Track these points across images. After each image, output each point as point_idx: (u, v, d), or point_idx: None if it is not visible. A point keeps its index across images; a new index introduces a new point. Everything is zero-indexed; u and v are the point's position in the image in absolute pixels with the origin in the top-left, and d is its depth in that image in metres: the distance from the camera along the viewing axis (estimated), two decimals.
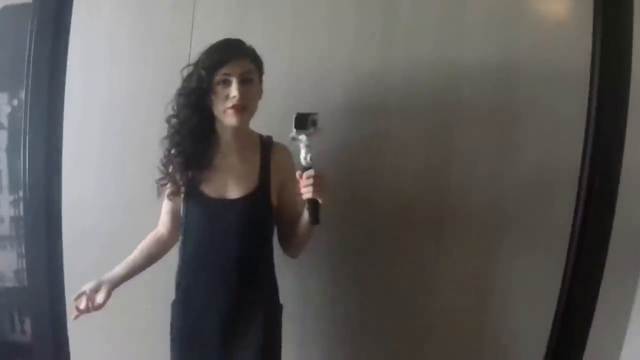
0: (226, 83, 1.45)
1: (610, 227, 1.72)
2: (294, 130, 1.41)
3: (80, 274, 2.00)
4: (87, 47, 1.95)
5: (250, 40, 1.53)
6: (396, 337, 1.90)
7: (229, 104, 1.44)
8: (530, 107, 1.78)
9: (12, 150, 2.14)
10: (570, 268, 1.75)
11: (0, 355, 2.36)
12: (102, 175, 1.99)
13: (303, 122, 1.40)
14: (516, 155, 1.79)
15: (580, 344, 1.78)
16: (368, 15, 1.80)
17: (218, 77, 1.45)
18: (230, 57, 1.44)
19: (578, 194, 1.75)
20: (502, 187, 1.80)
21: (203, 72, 1.45)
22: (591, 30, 1.72)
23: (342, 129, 1.82)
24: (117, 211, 1.97)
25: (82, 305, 1.48)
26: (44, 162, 1.97)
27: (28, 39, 1.93)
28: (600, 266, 1.73)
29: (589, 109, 1.72)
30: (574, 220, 1.76)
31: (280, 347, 1.61)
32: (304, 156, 1.41)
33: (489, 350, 1.88)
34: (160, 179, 1.56)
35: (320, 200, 1.40)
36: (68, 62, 1.95)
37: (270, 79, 1.57)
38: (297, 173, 1.41)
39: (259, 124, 1.59)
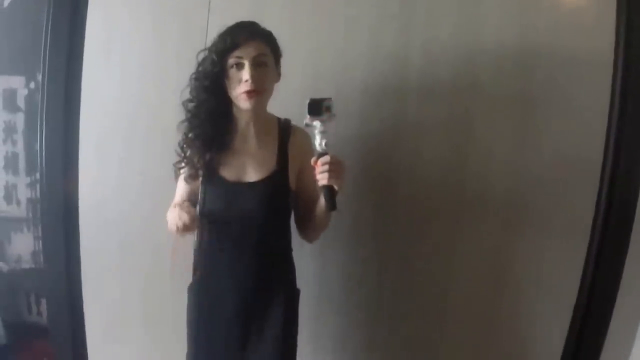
0: (239, 66, 1.44)
1: (632, 217, 1.71)
2: (308, 116, 1.38)
3: (101, 262, 2.03)
4: (107, 34, 1.94)
5: (268, 23, 1.51)
6: (412, 322, 1.89)
7: (242, 88, 1.43)
8: (549, 92, 1.75)
9: (29, 132, 2.15)
10: (593, 257, 1.74)
11: (17, 336, 2.38)
12: (124, 165, 1.99)
13: (317, 108, 1.37)
14: (535, 140, 1.77)
15: (600, 335, 1.78)
16: None
17: (231, 61, 1.44)
18: (243, 40, 1.43)
19: (601, 181, 1.73)
20: (521, 172, 1.78)
21: (215, 57, 1.44)
22: (612, 14, 1.69)
23: (360, 113, 1.81)
24: (140, 195, 1.97)
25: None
26: (61, 145, 1.97)
27: (45, 20, 1.92)
28: (623, 255, 1.72)
29: (612, 93, 1.69)
30: (597, 207, 1.74)
31: (296, 330, 1.61)
32: (319, 142, 1.38)
33: (506, 338, 1.88)
34: (178, 162, 1.55)
35: (336, 187, 1.38)
36: (88, 50, 1.95)
37: (289, 62, 1.56)
38: (313, 159, 1.39)
39: (278, 108, 1.58)
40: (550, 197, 1.78)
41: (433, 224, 1.84)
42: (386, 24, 1.78)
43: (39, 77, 2.00)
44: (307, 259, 1.79)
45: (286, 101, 1.56)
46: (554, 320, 1.83)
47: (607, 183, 1.72)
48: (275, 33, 1.51)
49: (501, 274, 1.84)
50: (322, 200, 1.44)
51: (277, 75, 1.53)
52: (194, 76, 1.51)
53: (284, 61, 1.54)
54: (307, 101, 1.38)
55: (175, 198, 1.63)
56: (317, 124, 1.38)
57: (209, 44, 1.51)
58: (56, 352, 2.14)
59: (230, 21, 1.48)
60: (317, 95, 1.39)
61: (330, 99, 1.38)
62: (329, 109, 1.37)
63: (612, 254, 1.75)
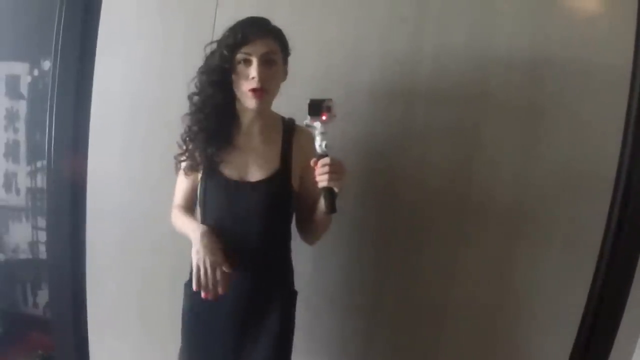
0: (247, 63, 1.42)
1: None
2: (308, 117, 1.36)
3: (100, 257, 2.02)
4: (113, 25, 1.94)
5: (277, 20, 1.49)
6: (411, 328, 1.86)
7: (249, 85, 1.41)
8: (559, 103, 1.71)
9: (31, 120, 2.14)
10: (602, 273, 1.69)
11: (12, 327, 2.37)
12: (127, 152, 1.98)
13: (317, 108, 1.35)
14: (542, 151, 1.73)
15: (606, 350, 1.73)
16: (399, 1, 1.75)
17: (239, 56, 1.41)
18: (253, 36, 1.40)
19: (614, 195, 1.68)
20: (527, 182, 1.74)
21: (225, 51, 1.42)
22: (628, 27, 1.64)
23: (367, 116, 1.78)
24: (141, 189, 1.96)
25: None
26: (71, 134, 1.96)
27: (58, 6, 1.91)
28: (631, 276, 1.68)
29: (629, 106, 1.65)
30: (608, 221, 1.69)
31: (292, 333, 1.58)
32: (319, 143, 1.36)
33: (507, 349, 1.83)
34: (179, 155, 1.53)
35: (336, 189, 1.36)
36: None
37: (297, 62, 1.53)
38: (312, 161, 1.37)
39: (284, 107, 1.56)
40: (556, 209, 1.73)
41: (435, 231, 1.80)
42: (397, 27, 1.75)
43: (44, 64, 1.99)
44: (306, 262, 1.77)
45: (293, 101, 1.52)
46: (557, 333, 1.78)
47: (620, 198, 1.67)
48: (284, 31, 1.49)
49: (504, 284, 1.80)
50: (321, 203, 1.41)
51: (284, 74, 1.51)
52: (201, 70, 1.49)
53: (292, 60, 1.52)
54: (307, 101, 1.35)
55: (175, 196, 1.63)
56: (317, 124, 1.36)
57: (215, 37, 1.48)
58: (57, 345, 2.13)
59: (239, 17, 1.46)
60: (324, 96, 1.36)
61: (330, 99, 1.36)
62: (329, 109, 1.35)
63: (622, 270, 1.70)
